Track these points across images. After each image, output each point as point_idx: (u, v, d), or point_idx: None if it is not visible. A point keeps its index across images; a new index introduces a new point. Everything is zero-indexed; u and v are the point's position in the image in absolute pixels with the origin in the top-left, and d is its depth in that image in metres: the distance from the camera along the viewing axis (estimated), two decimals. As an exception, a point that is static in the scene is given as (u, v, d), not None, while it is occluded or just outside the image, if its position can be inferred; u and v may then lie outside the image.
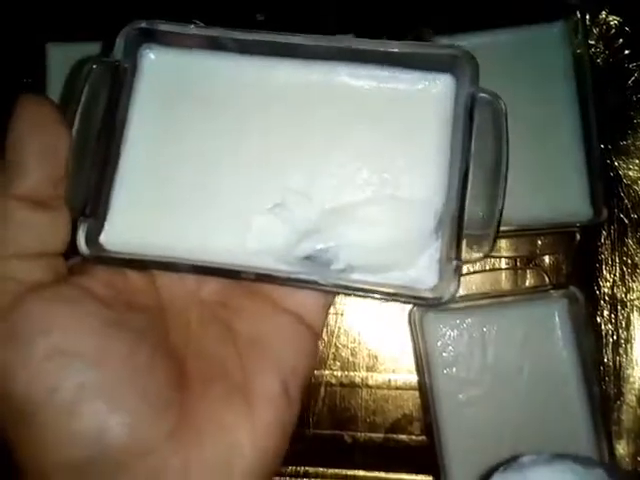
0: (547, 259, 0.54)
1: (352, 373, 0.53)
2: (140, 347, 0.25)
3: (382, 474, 0.53)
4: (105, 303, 0.26)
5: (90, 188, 0.27)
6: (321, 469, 0.53)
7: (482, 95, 0.27)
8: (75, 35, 0.50)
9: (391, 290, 0.26)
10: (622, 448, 0.51)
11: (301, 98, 0.28)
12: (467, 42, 0.53)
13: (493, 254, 0.53)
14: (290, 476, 0.53)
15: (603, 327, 0.53)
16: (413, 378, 0.52)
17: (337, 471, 0.53)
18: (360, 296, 0.27)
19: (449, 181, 0.28)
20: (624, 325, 0.53)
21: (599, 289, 0.53)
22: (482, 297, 0.51)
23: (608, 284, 0.53)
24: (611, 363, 0.52)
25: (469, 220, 0.27)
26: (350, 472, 0.53)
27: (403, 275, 0.27)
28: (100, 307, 0.25)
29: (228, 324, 0.28)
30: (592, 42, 0.54)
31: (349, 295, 0.30)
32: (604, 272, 0.53)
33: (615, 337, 0.53)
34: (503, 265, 0.53)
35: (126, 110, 0.28)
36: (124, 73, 0.28)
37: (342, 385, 0.53)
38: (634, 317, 0.53)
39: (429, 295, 0.26)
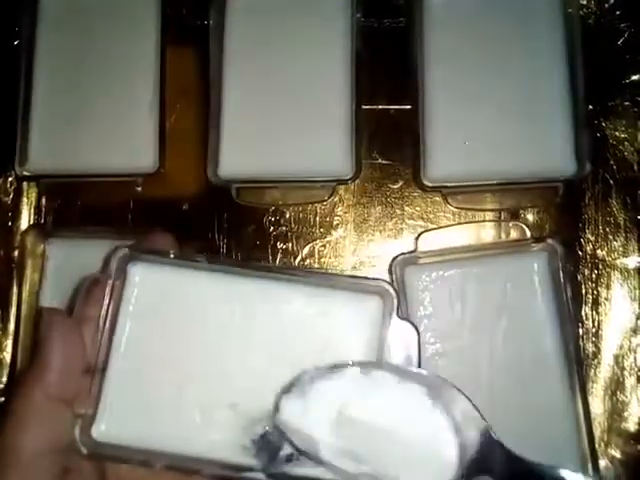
0: (530, 216, 0.54)
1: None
2: None
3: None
4: None
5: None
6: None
7: (401, 320, 0.34)
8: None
9: None
10: (597, 405, 0.51)
11: (253, 313, 0.35)
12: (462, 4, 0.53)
13: (476, 207, 0.53)
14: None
15: (584, 285, 0.53)
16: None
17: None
18: None
19: None
20: (604, 284, 0.53)
21: (581, 248, 0.53)
22: (463, 250, 0.52)
23: (590, 243, 0.53)
24: (590, 321, 0.53)
25: None
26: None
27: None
28: None
29: None
30: (584, 2, 0.55)
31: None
32: (587, 231, 0.54)
33: (595, 296, 0.53)
34: (487, 218, 0.54)
35: (116, 317, 0.34)
36: (115, 286, 0.34)
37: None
38: (615, 276, 0.53)
39: None
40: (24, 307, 0.53)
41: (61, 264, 0.53)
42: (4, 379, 0.54)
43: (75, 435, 0.32)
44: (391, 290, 0.34)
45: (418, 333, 0.34)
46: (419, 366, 0.33)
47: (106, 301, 0.34)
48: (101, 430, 0.33)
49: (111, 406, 0.33)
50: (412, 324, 0.34)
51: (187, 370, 0.34)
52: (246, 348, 0.34)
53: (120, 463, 0.33)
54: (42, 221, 0.56)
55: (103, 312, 0.33)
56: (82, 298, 0.34)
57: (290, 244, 0.55)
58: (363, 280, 0.38)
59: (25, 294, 0.53)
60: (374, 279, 0.36)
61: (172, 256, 0.35)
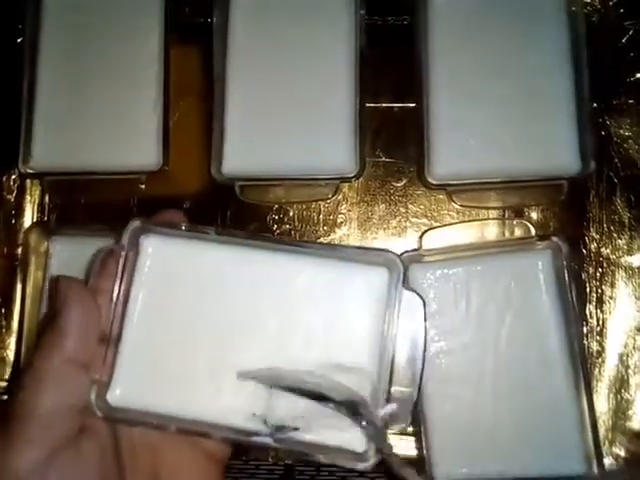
0: (535, 214, 0.54)
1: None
2: None
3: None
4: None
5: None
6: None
7: (407, 291, 0.34)
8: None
9: (328, 449, 0.33)
10: (602, 404, 0.51)
11: (263, 283, 0.36)
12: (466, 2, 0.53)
13: (480, 205, 0.53)
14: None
15: (588, 284, 0.53)
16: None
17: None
18: (303, 456, 0.34)
19: (379, 358, 0.34)
20: (609, 282, 0.53)
21: (586, 246, 0.53)
22: (467, 248, 0.51)
23: (595, 241, 0.53)
24: (594, 320, 0.52)
25: (392, 397, 0.34)
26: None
27: (340, 436, 0.33)
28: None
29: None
30: (588, 0, 0.54)
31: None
32: (591, 229, 0.54)
33: (599, 294, 0.53)
34: (491, 216, 0.54)
35: (129, 287, 0.35)
36: (128, 258, 0.35)
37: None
38: (619, 275, 0.53)
39: (357, 459, 0.33)
40: (27, 305, 0.53)
41: (64, 262, 0.53)
42: (7, 376, 0.54)
43: (91, 399, 0.33)
44: (398, 261, 0.35)
45: (424, 303, 0.34)
46: (425, 335, 0.34)
47: (119, 272, 0.35)
48: (116, 395, 0.34)
49: (125, 372, 0.34)
50: (418, 294, 0.34)
51: (198, 338, 0.35)
52: (255, 317, 0.35)
53: (134, 426, 0.35)
54: (45, 219, 0.56)
55: (117, 283, 0.34)
56: (96, 270, 0.35)
57: (294, 242, 0.55)
58: (371, 251, 0.38)
59: (29, 292, 0.53)
60: (381, 250, 0.37)
61: (183, 228, 0.36)
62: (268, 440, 0.33)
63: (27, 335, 0.52)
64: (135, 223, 0.36)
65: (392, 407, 0.33)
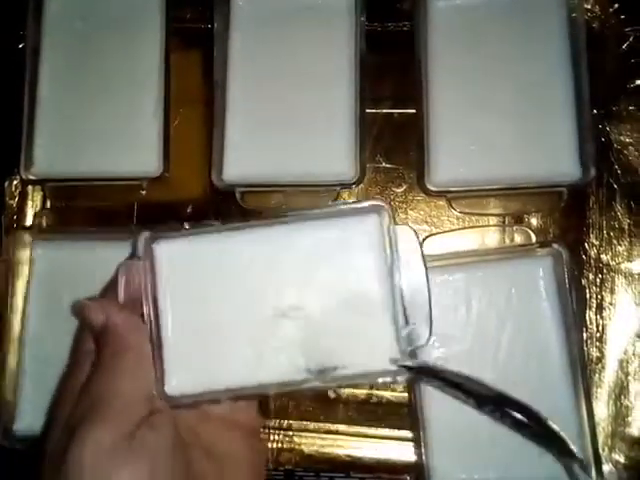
0: (535, 221, 0.54)
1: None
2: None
3: (364, 429, 0.53)
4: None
5: None
6: (304, 423, 0.53)
7: (398, 226, 0.38)
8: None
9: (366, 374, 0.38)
10: (602, 410, 0.51)
11: (274, 254, 0.39)
12: (465, 2, 0.53)
13: (481, 212, 0.53)
14: (274, 429, 0.53)
15: (588, 290, 0.53)
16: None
17: (320, 425, 0.53)
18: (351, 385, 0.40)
19: (390, 287, 0.38)
20: (609, 289, 0.53)
21: (586, 252, 0.53)
22: (468, 254, 0.52)
23: (595, 248, 0.53)
24: (594, 326, 0.53)
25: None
26: (332, 426, 0.53)
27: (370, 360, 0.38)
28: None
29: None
30: (588, 6, 0.55)
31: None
32: (591, 236, 0.54)
33: (599, 300, 0.53)
34: (491, 223, 0.54)
35: (155, 293, 0.38)
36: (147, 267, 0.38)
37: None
38: (619, 281, 0.53)
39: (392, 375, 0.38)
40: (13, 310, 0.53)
41: (47, 267, 0.53)
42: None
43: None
44: (383, 204, 0.39)
45: (416, 233, 0.38)
46: (424, 262, 0.38)
47: (143, 282, 0.38)
48: (173, 386, 0.37)
49: (175, 364, 0.37)
50: (409, 226, 0.38)
51: (231, 317, 0.38)
52: (277, 286, 0.38)
53: (197, 407, 0.38)
54: (45, 224, 0.56)
55: (144, 292, 0.37)
56: (123, 285, 0.38)
57: (294, 248, 0.55)
58: (358, 204, 0.41)
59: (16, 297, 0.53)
60: (367, 200, 0.40)
61: (187, 227, 0.39)
62: (316, 383, 0.37)
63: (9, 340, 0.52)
64: (144, 234, 0.39)
65: (411, 327, 0.38)
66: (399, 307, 0.38)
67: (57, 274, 0.53)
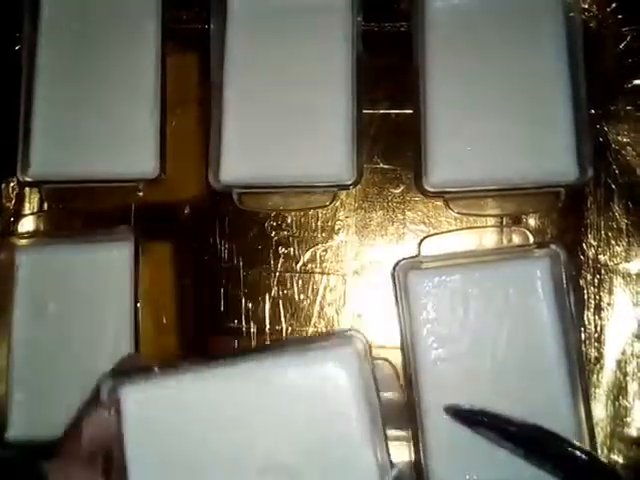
0: (532, 221, 0.54)
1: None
2: None
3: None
4: None
5: None
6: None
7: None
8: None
9: None
10: (600, 410, 0.51)
11: (245, 397, 0.39)
12: (462, 2, 0.53)
13: (479, 213, 0.53)
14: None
15: (586, 290, 0.53)
16: (396, 336, 0.52)
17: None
18: None
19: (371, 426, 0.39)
20: (607, 289, 0.53)
21: (583, 253, 0.53)
22: (466, 255, 0.51)
23: (592, 248, 0.53)
24: (592, 326, 0.52)
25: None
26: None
27: None
28: None
29: None
30: (585, 6, 0.54)
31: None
32: (589, 236, 0.54)
33: (597, 301, 0.53)
34: (488, 224, 0.54)
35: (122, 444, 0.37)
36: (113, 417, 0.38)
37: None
38: (617, 281, 0.53)
39: None
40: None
41: (31, 272, 0.53)
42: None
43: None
44: (359, 335, 0.40)
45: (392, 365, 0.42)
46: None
47: (109, 432, 0.37)
48: None
49: None
50: (385, 360, 0.42)
51: (208, 459, 0.38)
52: (249, 429, 0.38)
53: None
54: (41, 227, 0.56)
55: (111, 443, 0.37)
56: (85, 437, 0.37)
57: (292, 249, 0.55)
58: (332, 335, 0.43)
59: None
60: (340, 331, 0.42)
61: (156, 370, 0.39)
62: None
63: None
64: (108, 381, 0.38)
65: (397, 468, 0.38)
66: (380, 446, 0.39)
67: (42, 279, 0.53)
